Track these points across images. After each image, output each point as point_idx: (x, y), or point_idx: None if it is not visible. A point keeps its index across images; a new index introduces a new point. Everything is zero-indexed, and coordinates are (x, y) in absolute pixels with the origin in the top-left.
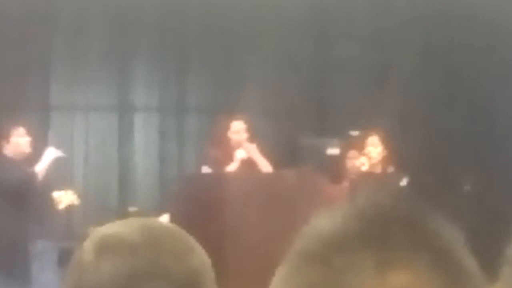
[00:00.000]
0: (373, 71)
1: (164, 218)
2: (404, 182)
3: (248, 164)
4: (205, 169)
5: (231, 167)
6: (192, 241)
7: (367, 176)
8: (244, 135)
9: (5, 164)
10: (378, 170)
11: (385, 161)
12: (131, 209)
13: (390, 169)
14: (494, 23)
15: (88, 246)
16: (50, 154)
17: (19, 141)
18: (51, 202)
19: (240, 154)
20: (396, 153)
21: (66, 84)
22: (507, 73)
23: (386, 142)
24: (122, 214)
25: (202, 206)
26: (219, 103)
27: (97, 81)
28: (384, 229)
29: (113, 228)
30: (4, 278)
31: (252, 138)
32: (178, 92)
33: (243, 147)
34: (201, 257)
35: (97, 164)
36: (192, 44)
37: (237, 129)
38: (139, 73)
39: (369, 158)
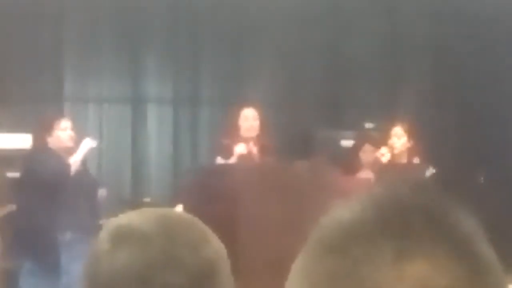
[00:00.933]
0: (388, 61)
1: (178, 209)
2: (429, 173)
3: (247, 158)
4: (219, 160)
5: (231, 161)
6: (207, 232)
7: (390, 166)
8: (254, 123)
9: (45, 155)
10: (403, 160)
11: (411, 152)
12: (145, 200)
13: (416, 160)
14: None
15: (103, 236)
16: (86, 144)
17: (62, 135)
18: (85, 194)
19: (239, 149)
20: (423, 144)
21: (80, 75)
22: None
23: (412, 133)
24: (136, 205)
25: (216, 197)
26: (232, 94)
27: (110, 72)
28: (402, 219)
29: (128, 218)
30: (34, 265)
31: (263, 125)
32: (192, 84)
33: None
34: (216, 247)
35: (110, 155)
36: (206, 35)
37: (248, 115)
38: (152, 64)
39: (393, 148)
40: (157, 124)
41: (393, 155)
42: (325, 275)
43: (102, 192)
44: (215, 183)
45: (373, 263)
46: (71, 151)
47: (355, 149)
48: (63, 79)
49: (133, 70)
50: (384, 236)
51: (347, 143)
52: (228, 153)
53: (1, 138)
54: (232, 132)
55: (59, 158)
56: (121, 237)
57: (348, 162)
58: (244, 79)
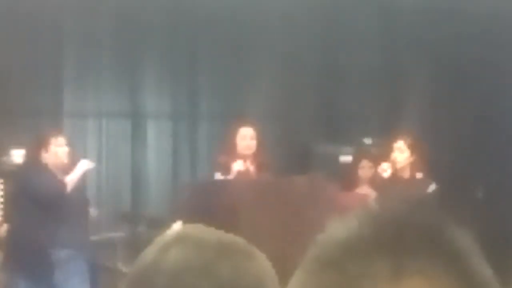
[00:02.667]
0: (386, 76)
1: (178, 225)
2: (432, 188)
3: (245, 175)
4: (218, 175)
5: (228, 178)
6: (267, 269)
7: (393, 181)
8: (251, 142)
9: (40, 172)
10: (406, 175)
11: (413, 167)
12: (144, 215)
13: (419, 175)
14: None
15: (170, 233)
16: (83, 165)
17: (58, 151)
18: (81, 213)
19: (237, 166)
20: (425, 159)
21: (79, 90)
22: None
23: (414, 147)
24: (135, 219)
25: (214, 212)
26: (231, 109)
27: (110, 87)
28: (399, 236)
29: (197, 228)
30: (30, 284)
31: (260, 144)
32: (190, 99)
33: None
34: (264, 284)
35: (110, 170)
36: (204, 50)
37: (245, 134)
38: (151, 79)
39: (395, 163)
40: (156, 139)
41: (395, 170)
42: None
43: (93, 211)
44: (213, 199)
45: (370, 279)
46: (66, 167)
47: (353, 165)
48: (62, 94)
49: (132, 85)
50: (381, 252)
51: (345, 158)
52: (226, 170)
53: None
54: (229, 150)
55: (54, 176)
56: (181, 238)
57: (346, 177)
58: (242, 94)
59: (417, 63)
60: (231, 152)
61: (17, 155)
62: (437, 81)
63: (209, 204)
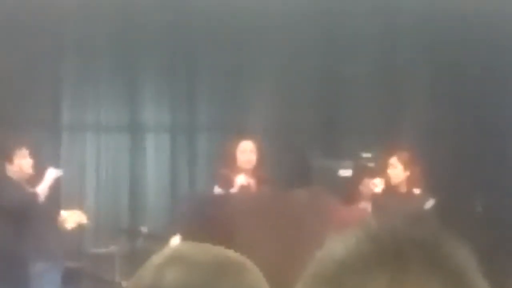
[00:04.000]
0: (386, 90)
1: (176, 239)
2: (429, 204)
3: (247, 190)
4: (217, 189)
5: (230, 192)
6: (261, 284)
7: (387, 197)
8: (252, 155)
9: (7, 185)
10: (401, 191)
11: (409, 182)
12: (142, 228)
13: (416, 190)
14: (507, 35)
15: (162, 253)
16: (51, 174)
17: (22, 162)
18: (53, 223)
19: (240, 180)
20: (423, 175)
21: (77, 104)
22: None
23: (408, 163)
24: (133, 233)
25: (213, 226)
26: (230, 123)
27: (108, 101)
28: (397, 251)
29: (190, 246)
30: None
31: (260, 158)
32: (189, 112)
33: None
34: None
35: (108, 184)
36: (202, 63)
37: (245, 148)
38: (149, 93)
39: (389, 179)
40: (154, 152)
41: (390, 186)
42: None
43: (88, 225)
44: (213, 213)
45: None
46: (31, 179)
47: (354, 180)
48: (60, 108)
49: (131, 99)
50: (379, 268)
51: (345, 172)
52: (226, 184)
53: None
54: (229, 163)
55: (23, 188)
56: (175, 259)
57: (347, 192)
58: (241, 108)
59: (418, 76)
60: (231, 166)
61: None
62: (436, 95)
63: (209, 218)
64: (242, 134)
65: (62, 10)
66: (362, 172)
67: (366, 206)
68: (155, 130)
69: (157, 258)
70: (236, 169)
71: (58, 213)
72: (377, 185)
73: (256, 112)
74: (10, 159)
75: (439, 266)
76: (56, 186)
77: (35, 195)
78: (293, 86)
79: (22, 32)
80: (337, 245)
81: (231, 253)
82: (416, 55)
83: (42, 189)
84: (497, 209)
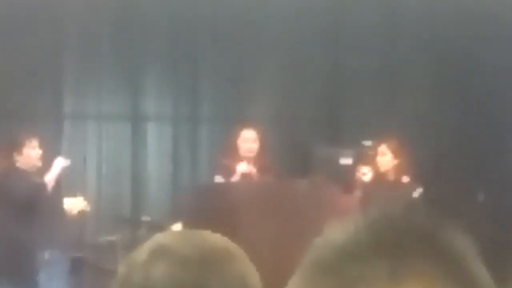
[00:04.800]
0: (387, 80)
1: (177, 227)
2: (417, 192)
3: (248, 178)
4: (218, 178)
5: (232, 180)
6: (248, 268)
7: (376, 185)
8: (253, 144)
9: (16, 175)
10: (390, 179)
11: (397, 170)
12: (144, 218)
13: (405, 178)
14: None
15: (145, 248)
16: (59, 163)
17: (31, 153)
18: (61, 212)
19: (241, 168)
20: (412, 163)
21: (79, 93)
22: None
23: (397, 151)
24: (135, 223)
25: (215, 215)
26: (232, 112)
27: (110, 90)
28: (396, 239)
29: (171, 238)
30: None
31: (262, 147)
32: (191, 101)
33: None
34: (251, 286)
35: (110, 173)
36: (205, 53)
37: (247, 137)
38: (151, 82)
39: (377, 167)
40: (156, 142)
41: (379, 174)
42: None
43: (90, 214)
44: (214, 202)
45: (367, 283)
46: (40, 169)
47: (354, 166)
48: (62, 97)
49: (133, 88)
50: (378, 256)
51: (346, 161)
52: (228, 172)
53: None
54: (231, 152)
55: (32, 178)
56: (160, 254)
57: (347, 180)
58: (243, 97)
59: (419, 65)
60: (233, 155)
61: None
62: (438, 83)
63: (210, 206)
64: (244, 123)
65: (65, 0)
66: (363, 161)
67: (359, 194)
68: (157, 119)
69: (141, 254)
70: (238, 158)
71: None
72: (366, 173)
73: (258, 102)
74: (19, 150)
75: (439, 255)
76: (64, 176)
77: (43, 184)
78: (294, 77)
79: (26, 24)
80: (336, 233)
81: (217, 239)
82: (420, 43)
83: (50, 178)
84: (498, 198)
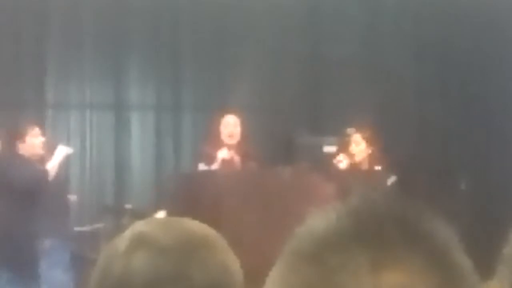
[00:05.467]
0: (369, 68)
1: (161, 215)
2: (391, 180)
3: (230, 164)
4: (202, 166)
5: (213, 167)
6: (228, 255)
7: (350, 173)
8: (235, 129)
9: (19, 163)
10: (363, 168)
11: (371, 159)
12: (127, 206)
13: (377, 167)
14: (489, 16)
15: (124, 237)
16: (61, 151)
17: (34, 141)
18: (63, 200)
19: (221, 154)
20: (385, 152)
21: (62, 82)
22: (506, 69)
23: (371, 140)
24: (118, 211)
25: (198, 203)
26: (214, 100)
27: (93, 79)
28: (378, 229)
29: (151, 226)
30: (13, 275)
31: (244, 132)
32: (174, 90)
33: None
34: (231, 273)
35: (93, 162)
36: (187, 42)
37: (229, 122)
38: (134, 71)
39: (351, 155)
40: (139, 130)
41: (353, 162)
42: (300, 285)
43: (73, 199)
44: (197, 189)
45: (349, 272)
46: (42, 157)
47: (335, 156)
48: (44, 85)
49: (116, 77)
50: (360, 245)
51: (329, 149)
52: (210, 160)
53: None
54: (213, 138)
55: (34, 165)
56: (140, 243)
57: (330, 167)
58: (225, 85)
59: (401, 53)
60: (215, 140)
61: None
62: (421, 70)
63: (193, 194)
64: (225, 109)
65: None
66: (343, 148)
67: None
68: (141, 108)
69: (121, 243)
70: (220, 144)
71: (66, 191)
72: (341, 160)
73: (241, 90)
74: (22, 138)
75: (421, 244)
76: (65, 163)
77: (45, 172)
78: (276, 64)
79: (9, 13)
80: (317, 222)
81: (196, 227)
82: (396, 33)
83: (52, 166)
84: (481, 186)
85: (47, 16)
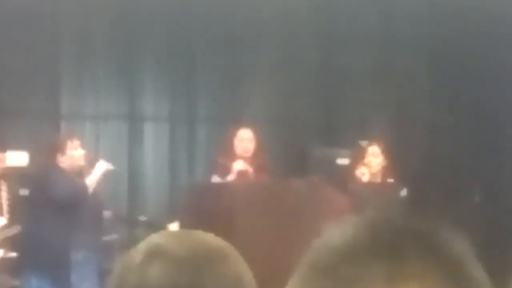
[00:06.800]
0: (383, 79)
1: (174, 227)
2: (403, 193)
3: (245, 176)
4: (215, 178)
5: (229, 179)
6: (242, 267)
7: (367, 186)
8: (250, 144)
9: (59, 175)
10: (378, 180)
11: (385, 171)
12: (141, 218)
13: (390, 179)
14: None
15: (139, 250)
16: (101, 167)
17: (74, 154)
18: (99, 215)
19: (237, 166)
20: (397, 164)
21: (76, 93)
22: None
23: (386, 152)
24: (132, 223)
25: (211, 215)
26: (229, 112)
27: (107, 90)
28: (394, 241)
29: (167, 238)
30: (44, 284)
31: (259, 146)
32: (188, 101)
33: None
34: (245, 284)
35: (107, 172)
36: (202, 53)
37: (244, 136)
38: (148, 82)
39: (369, 168)
40: (153, 142)
41: (371, 175)
42: None
43: (107, 213)
44: (211, 201)
45: (365, 285)
46: (82, 169)
47: (351, 168)
48: (59, 96)
49: (130, 88)
50: (376, 258)
51: (342, 161)
52: (224, 171)
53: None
54: (227, 151)
55: (74, 179)
56: (155, 255)
57: (344, 180)
58: (240, 97)
59: (415, 66)
60: (229, 154)
61: (12, 157)
62: (435, 83)
63: (207, 206)
64: (240, 123)
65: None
66: (358, 161)
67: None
68: (155, 119)
69: (136, 255)
70: (234, 157)
71: (101, 205)
72: (364, 173)
73: (255, 102)
74: (63, 151)
75: (436, 257)
76: (104, 179)
77: (85, 186)
78: (291, 76)
79: (23, 25)
80: (333, 235)
81: (211, 239)
82: (411, 45)
83: (91, 181)
84: (494, 199)
85: (61, 28)
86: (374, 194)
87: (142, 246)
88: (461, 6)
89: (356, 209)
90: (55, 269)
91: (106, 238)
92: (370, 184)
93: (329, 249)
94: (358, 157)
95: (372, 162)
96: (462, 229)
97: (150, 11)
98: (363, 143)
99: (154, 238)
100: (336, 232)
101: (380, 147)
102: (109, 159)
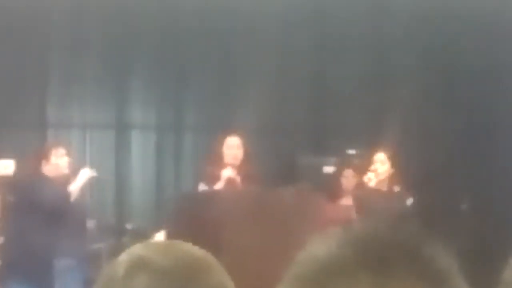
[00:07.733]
0: (372, 88)
1: (161, 235)
2: (409, 202)
3: (234, 183)
4: (202, 187)
5: (217, 186)
6: (225, 277)
7: (373, 193)
8: (238, 151)
9: (42, 183)
10: (384, 188)
11: (392, 179)
12: (128, 226)
13: (396, 188)
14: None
15: (122, 262)
16: (85, 174)
17: (59, 162)
18: (83, 222)
19: (226, 173)
20: (403, 172)
21: (63, 102)
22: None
23: (393, 160)
24: (119, 231)
25: (199, 224)
26: (216, 120)
27: (94, 98)
28: (380, 254)
29: (150, 249)
30: None
31: (247, 154)
32: (175, 110)
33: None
34: None
35: (94, 181)
36: (190, 61)
37: (232, 144)
38: (136, 90)
39: (377, 174)
40: (140, 150)
41: (377, 182)
42: None
43: (93, 221)
44: (199, 210)
45: None
46: (67, 177)
47: (337, 174)
48: (46, 105)
49: (117, 97)
50: (361, 270)
51: (329, 169)
52: (212, 179)
53: None
54: (216, 159)
55: (57, 186)
56: (139, 267)
57: (331, 188)
58: (228, 106)
59: (405, 74)
60: (218, 162)
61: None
62: (423, 92)
63: (194, 214)
64: (228, 130)
65: (51, 9)
66: (346, 167)
67: (350, 202)
68: (142, 127)
69: (119, 268)
70: (222, 165)
71: (84, 213)
72: (371, 179)
73: (243, 110)
74: (48, 158)
75: (422, 270)
76: (88, 186)
77: (67, 193)
78: (279, 85)
79: (12, 32)
80: (319, 247)
81: (194, 250)
82: (403, 54)
83: (75, 188)
84: (482, 208)
85: (49, 36)
86: (379, 201)
87: (124, 258)
88: (457, 13)
89: (361, 214)
90: (38, 277)
91: (92, 246)
92: (376, 190)
93: (314, 261)
94: (345, 166)
95: (380, 169)
96: (448, 240)
97: (138, 20)
98: (351, 151)
99: (136, 250)
100: (321, 244)
101: (386, 154)
102: (96, 167)
